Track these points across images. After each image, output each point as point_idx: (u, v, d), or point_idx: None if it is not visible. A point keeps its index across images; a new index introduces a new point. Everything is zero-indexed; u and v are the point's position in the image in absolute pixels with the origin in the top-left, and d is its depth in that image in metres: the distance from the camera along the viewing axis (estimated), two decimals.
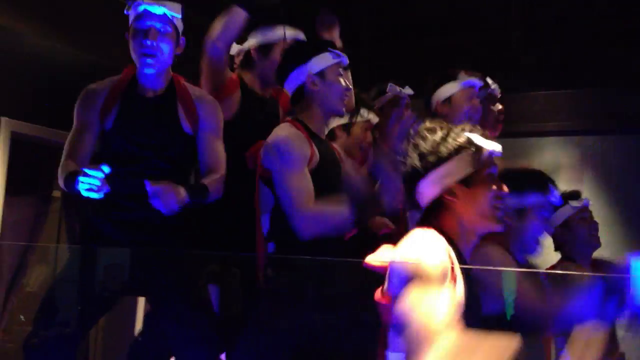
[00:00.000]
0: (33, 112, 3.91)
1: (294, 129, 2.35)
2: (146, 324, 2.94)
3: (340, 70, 2.47)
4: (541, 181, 2.43)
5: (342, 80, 2.45)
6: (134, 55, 2.36)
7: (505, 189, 1.79)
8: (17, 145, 3.93)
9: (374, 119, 2.98)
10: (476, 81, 2.96)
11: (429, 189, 1.74)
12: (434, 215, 1.75)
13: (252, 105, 2.72)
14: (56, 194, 4.36)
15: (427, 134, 1.75)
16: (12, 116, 3.84)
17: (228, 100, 2.64)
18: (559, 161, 4.90)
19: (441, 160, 1.71)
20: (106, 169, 2.05)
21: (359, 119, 2.88)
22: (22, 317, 3.38)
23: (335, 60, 2.43)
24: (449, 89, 2.94)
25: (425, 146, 1.73)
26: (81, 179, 2.05)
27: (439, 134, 1.74)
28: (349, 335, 2.17)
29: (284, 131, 2.35)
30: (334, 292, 2.23)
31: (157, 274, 2.37)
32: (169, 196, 2.08)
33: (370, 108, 2.96)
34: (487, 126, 3.00)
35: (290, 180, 2.23)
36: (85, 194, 2.07)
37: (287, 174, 2.24)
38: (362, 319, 1.90)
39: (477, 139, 1.74)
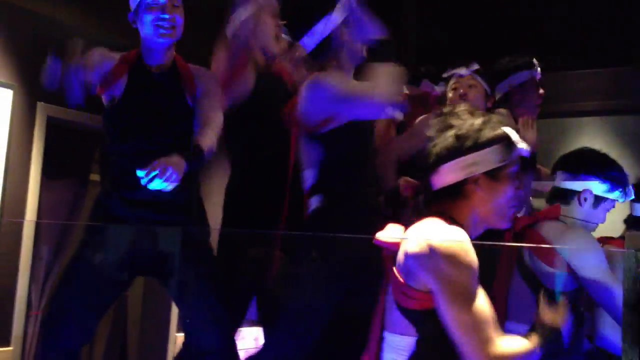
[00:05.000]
0: None
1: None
2: None
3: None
4: (622, 176, 2.46)
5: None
6: (147, 29, 2.38)
7: (523, 189, 1.79)
8: (53, 129, 4.01)
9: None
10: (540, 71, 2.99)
11: (453, 173, 1.67)
12: (446, 201, 1.69)
13: (264, 78, 2.68)
14: (93, 177, 4.45)
15: (467, 117, 1.70)
16: (47, 101, 3.91)
17: (244, 74, 2.62)
18: (599, 141, 4.79)
19: (477, 146, 1.66)
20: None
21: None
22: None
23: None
24: (522, 76, 2.96)
25: (463, 128, 1.67)
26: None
27: (480, 119, 1.69)
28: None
29: None
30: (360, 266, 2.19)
31: (168, 252, 2.41)
32: (167, 171, 2.06)
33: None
34: (526, 110, 2.97)
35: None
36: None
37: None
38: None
39: (513, 133, 1.70)
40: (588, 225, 2.47)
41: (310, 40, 2.34)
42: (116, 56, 2.48)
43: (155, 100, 2.38)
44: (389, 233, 1.70)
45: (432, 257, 1.55)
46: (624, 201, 2.51)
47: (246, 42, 2.63)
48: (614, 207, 2.50)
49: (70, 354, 2.30)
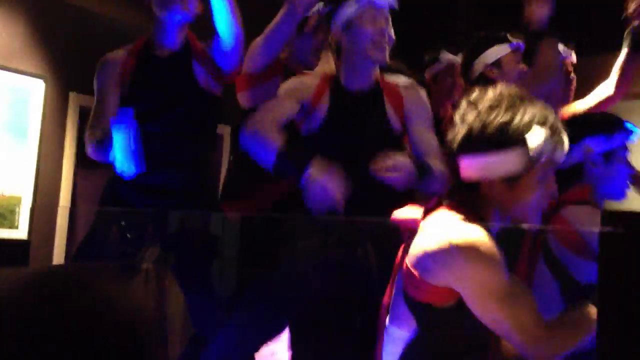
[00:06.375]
0: None
1: (310, 78, 2.31)
2: None
3: (373, 14, 2.25)
4: (620, 121, 2.30)
5: (372, 25, 2.24)
6: (162, 5, 2.36)
7: (555, 191, 1.58)
8: (85, 118, 4.06)
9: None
10: (522, 44, 2.78)
11: (468, 170, 1.54)
12: (468, 193, 1.56)
13: None
14: None
15: (487, 110, 1.51)
16: (79, 91, 3.97)
17: (274, 81, 2.49)
18: None
19: (490, 147, 1.49)
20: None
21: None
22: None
23: (363, 6, 2.24)
24: (497, 51, 2.71)
25: (480, 122, 1.50)
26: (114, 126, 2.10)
27: (501, 116, 1.49)
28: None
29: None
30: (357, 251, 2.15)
31: (178, 238, 2.40)
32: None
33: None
34: (556, 97, 2.84)
35: None
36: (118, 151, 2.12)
37: None
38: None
39: (541, 136, 1.49)
40: (616, 194, 2.33)
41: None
42: (122, 52, 2.47)
43: (162, 83, 2.37)
44: (406, 213, 1.61)
45: (454, 257, 1.43)
46: (634, 140, 2.35)
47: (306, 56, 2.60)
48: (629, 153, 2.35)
49: None
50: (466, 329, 1.50)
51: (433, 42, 3.33)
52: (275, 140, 2.12)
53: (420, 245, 1.51)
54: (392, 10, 2.31)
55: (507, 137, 1.48)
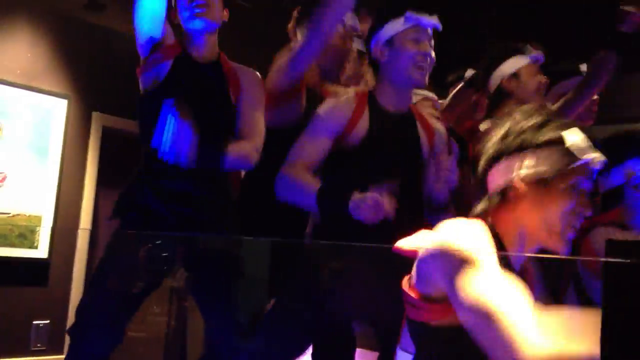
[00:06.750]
0: (123, 107, 4.03)
1: (348, 97, 2.24)
2: None
3: (417, 34, 2.19)
4: None
5: (415, 46, 2.19)
6: (182, 14, 2.33)
7: (589, 210, 1.48)
8: (108, 138, 4.06)
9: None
10: (542, 55, 2.70)
11: (498, 178, 1.48)
12: (492, 208, 1.49)
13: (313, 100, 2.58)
14: None
15: (523, 117, 1.49)
16: (103, 111, 3.97)
17: (297, 98, 2.45)
18: None
19: (523, 147, 1.45)
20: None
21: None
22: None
23: (409, 25, 2.17)
24: (515, 63, 2.63)
25: (513, 128, 1.48)
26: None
27: (539, 119, 1.48)
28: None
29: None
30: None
31: (194, 256, 2.35)
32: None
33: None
34: (578, 114, 2.77)
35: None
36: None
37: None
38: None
39: (577, 138, 1.45)
40: None
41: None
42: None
43: (197, 89, 2.32)
44: (412, 241, 1.53)
45: (443, 255, 1.36)
46: None
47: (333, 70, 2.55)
48: None
49: (99, 358, 2.26)
50: (463, 350, 1.36)
51: (457, 62, 3.29)
52: (311, 183, 2.10)
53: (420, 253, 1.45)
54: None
55: (544, 134, 1.44)
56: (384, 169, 2.14)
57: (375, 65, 2.27)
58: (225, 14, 2.39)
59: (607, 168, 2.32)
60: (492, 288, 1.29)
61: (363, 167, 2.13)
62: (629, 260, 0.81)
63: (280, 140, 2.30)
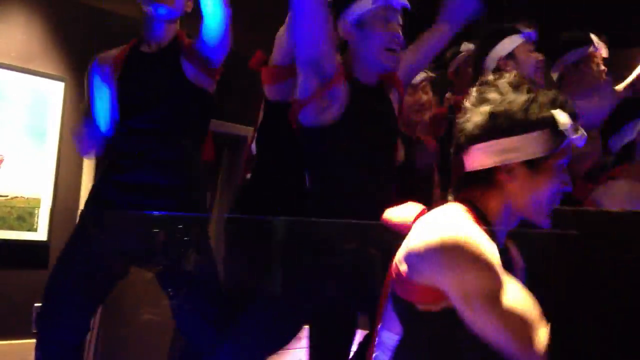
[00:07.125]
0: None
1: None
2: None
3: (387, 13, 2.12)
4: None
5: (385, 26, 2.11)
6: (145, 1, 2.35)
7: (570, 185, 1.47)
8: None
9: (430, 74, 2.78)
10: (534, 32, 2.68)
11: (483, 158, 1.44)
12: (475, 187, 1.47)
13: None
14: None
15: (509, 90, 1.44)
16: None
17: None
18: None
19: (514, 129, 1.40)
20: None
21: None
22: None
23: (379, 4, 2.09)
24: (510, 43, 2.62)
25: (501, 104, 1.42)
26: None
27: (525, 96, 1.42)
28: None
29: None
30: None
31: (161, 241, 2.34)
32: None
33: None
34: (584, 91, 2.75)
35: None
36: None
37: None
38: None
39: (566, 116, 1.41)
40: None
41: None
42: (112, 51, 2.49)
43: (149, 78, 2.34)
44: (401, 212, 1.50)
45: (440, 254, 1.33)
46: None
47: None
48: None
49: (70, 348, 2.26)
50: (454, 338, 1.37)
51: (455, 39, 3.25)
52: None
53: (409, 240, 1.42)
54: (405, 10, 2.21)
55: (534, 114, 1.41)
56: (364, 142, 2.12)
57: (345, 44, 2.20)
58: (190, 4, 2.40)
59: (618, 126, 2.34)
60: (496, 286, 1.30)
61: (344, 140, 2.09)
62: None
63: (286, 115, 2.28)
